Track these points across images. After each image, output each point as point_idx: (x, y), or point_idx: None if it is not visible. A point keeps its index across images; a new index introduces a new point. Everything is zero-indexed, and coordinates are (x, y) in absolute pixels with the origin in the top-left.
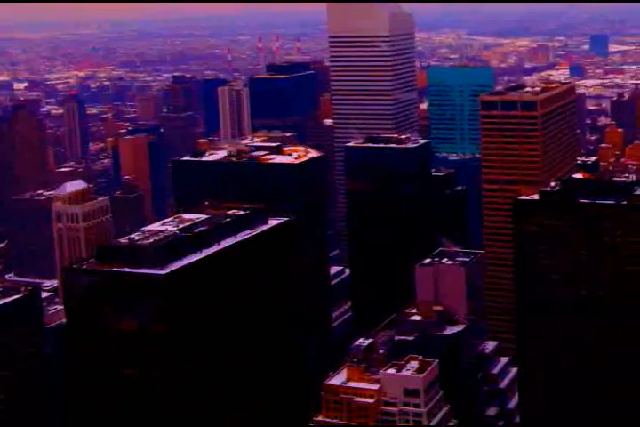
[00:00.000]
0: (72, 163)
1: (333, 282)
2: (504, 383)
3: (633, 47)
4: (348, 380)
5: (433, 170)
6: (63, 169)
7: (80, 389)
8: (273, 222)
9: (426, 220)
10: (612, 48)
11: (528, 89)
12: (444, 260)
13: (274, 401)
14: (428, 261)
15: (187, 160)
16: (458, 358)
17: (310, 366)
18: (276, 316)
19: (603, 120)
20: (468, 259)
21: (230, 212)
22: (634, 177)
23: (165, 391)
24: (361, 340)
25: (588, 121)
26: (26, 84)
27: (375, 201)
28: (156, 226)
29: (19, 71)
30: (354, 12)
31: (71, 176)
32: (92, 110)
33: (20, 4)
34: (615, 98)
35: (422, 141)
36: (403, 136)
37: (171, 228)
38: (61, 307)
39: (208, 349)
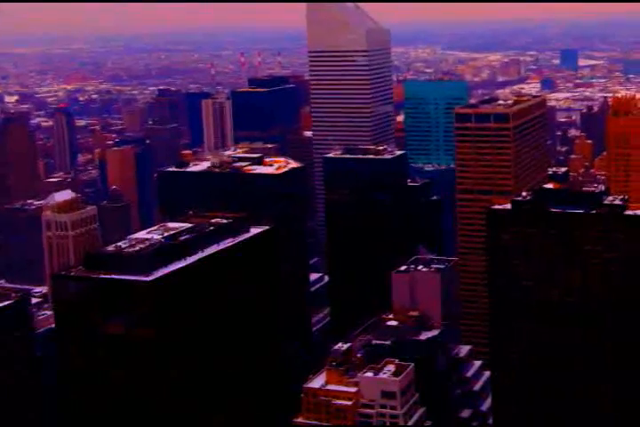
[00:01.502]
0: (61, 173)
1: (313, 288)
2: (478, 386)
3: (601, 61)
4: (327, 383)
5: (409, 180)
6: (52, 179)
7: (70, 391)
8: (255, 231)
9: (402, 228)
10: (582, 62)
11: (501, 102)
12: (420, 267)
13: (256, 403)
14: (404, 268)
15: (172, 171)
16: (433, 362)
17: (291, 369)
18: (258, 320)
19: (573, 132)
20: (442, 266)
21: (213, 220)
22: (602, 187)
23: (152, 393)
24: (339, 344)
25: (559, 133)
26: (16, 98)
27: (353, 210)
28: (142, 234)
29: (9, 85)
30: (333, 27)
31: (60, 186)
32: (81, 123)
33: (11, 18)
34: (585, 110)
35: (399, 153)
36: (380, 147)
37: (156, 236)
38: (51, 312)
39: (193, 352)
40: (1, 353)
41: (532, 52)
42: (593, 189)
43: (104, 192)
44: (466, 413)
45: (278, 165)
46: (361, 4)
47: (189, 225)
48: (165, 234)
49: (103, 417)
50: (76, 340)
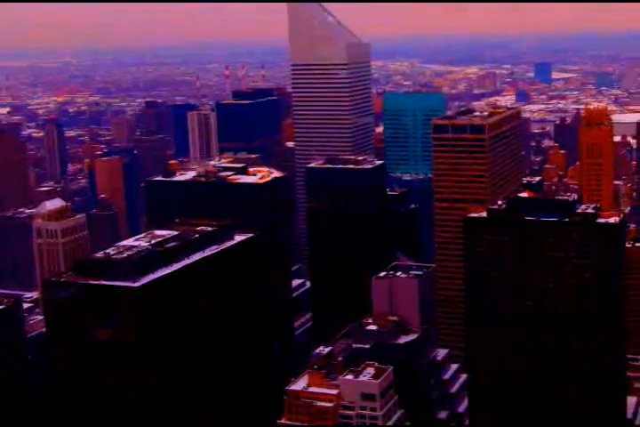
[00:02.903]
0: (51, 182)
1: (295, 294)
2: (454, 388)
3: (574, 75)
4: (309, 385)
5: (388, 189)
6: (43, 188)
7: (59, 392)
8: (239, 238)
9: (381, 235)
10: (555, 75)
11: (477, 114)
12: (399, 273)
13: (240, 404)
14: (383, 274)
15: (158, 180)
16: (411, 365)
17: (273, 372)
18: (242, 325)
19: (546, 142)
20: (420, 272)
21: (199, 228)
22: (575, 196)
23: (138, 395)
24: (321, 348)
25: (533, 143)
26: (8, 109)
27: (334, 218)
28: (129, 241)
29: (1, 97)
30: (314, 41)
31: (50, 195)
32: (70, 133)
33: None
34: (558, 122)
35: (378, 162)
36: (360, 157)
37: (143, 243)
38: (41, 317)
39: (178, 355)
40: None
41: (507, 66)
42: (566, 197)
43: (93, 201)
44: (443, 414)
45: (262, 175)
46: (342, 19)
47: (176, 233)
48: (152, 241)
49: (92, 418)
50: (66, 343)
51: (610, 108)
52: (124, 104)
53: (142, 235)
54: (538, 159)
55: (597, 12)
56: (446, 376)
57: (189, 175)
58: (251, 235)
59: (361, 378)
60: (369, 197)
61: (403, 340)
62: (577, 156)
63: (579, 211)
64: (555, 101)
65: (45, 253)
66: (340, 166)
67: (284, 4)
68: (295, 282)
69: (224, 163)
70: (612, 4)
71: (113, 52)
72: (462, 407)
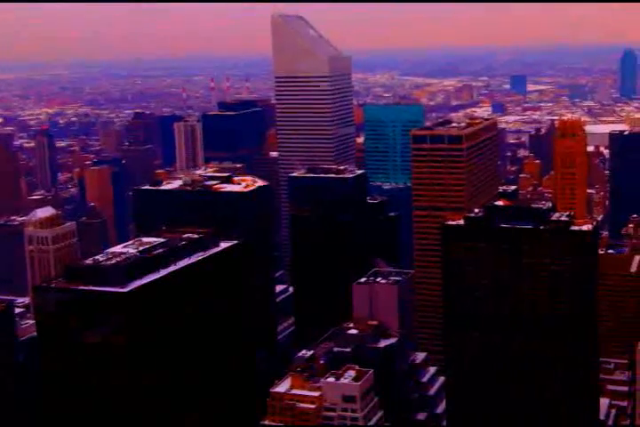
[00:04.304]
0: (42, 191)
1: (278, 299)
2: (433, 391)
3: (549, 87)
4: (292, 387)
5: (368, 198)
6: (34, 197)
7: (50, 394)
8: (224, 245)
9: (362, 243)
10: (530, 87)
11: (454, 124)
12: (379, 279)
13: (224, 406)
14: (363, 280)
15: (146, 189)
16: (391, 368)
17: (257, 375)
18: (227, 329)
19: (522, 152)
20: (400, 278)
21: (185, 235)
22: (549, 204)
23: (127, 396)
24: (303, 351)
25: (509, 153)
26: (0, 120)
27: (316, 226)
28: (118, 248)
29: None
30: (297, 54)
31: (41, 203)
32: (61, 144)
33: None
34: (533, 132)
35: (359, 172)
36: (341, 167)
37: (131, 250)
38: (33, 321)
39: (166, 359)
40: None
41: (483, 78)
42: (541, 205)
43: (83, 209)
44: (422, 415)
45: (246, 184)
46: (323, 33)
47: (163, 240)
48: (140, 248)
49: (81, 419)
50: (57, 347)
51: (583, 119)
52: (112, 115)
53: (130, 242)
54: (513, 169)
55: (570, 26)
56: (425, 379)
57: (176, 184)
58: (236, 242)
59: (342, 381)
60: (350, 206)
61: (383, 344)
62: (551, 165)
63: (553, 219)
64: (530, 113)
65: (37, 260)
66: (322, 176)
67: (268, 18)
68: (279, 287)
69: (209, 172)
70: (585, 17)
71: (101, 65)
72: (440, 409)
